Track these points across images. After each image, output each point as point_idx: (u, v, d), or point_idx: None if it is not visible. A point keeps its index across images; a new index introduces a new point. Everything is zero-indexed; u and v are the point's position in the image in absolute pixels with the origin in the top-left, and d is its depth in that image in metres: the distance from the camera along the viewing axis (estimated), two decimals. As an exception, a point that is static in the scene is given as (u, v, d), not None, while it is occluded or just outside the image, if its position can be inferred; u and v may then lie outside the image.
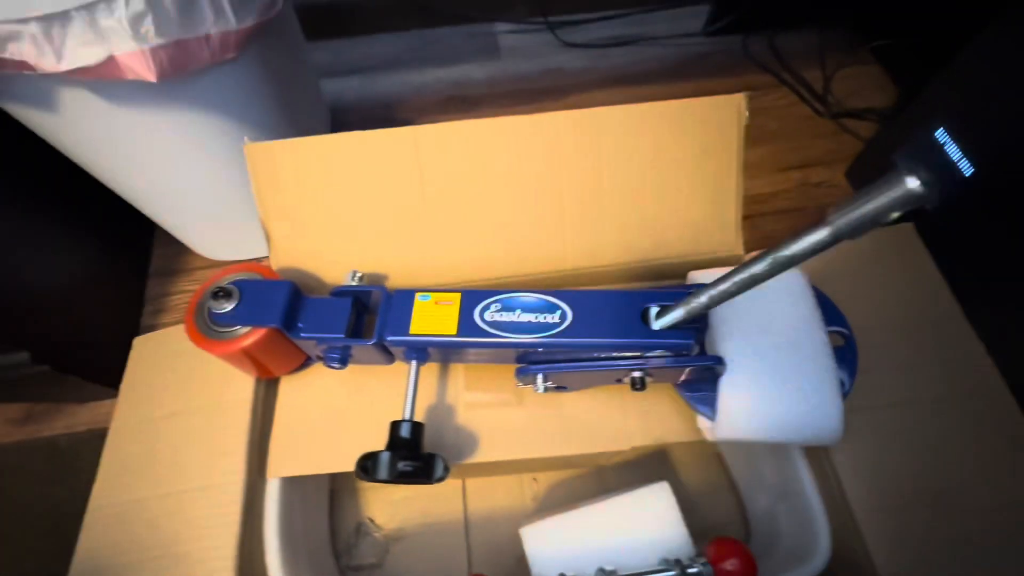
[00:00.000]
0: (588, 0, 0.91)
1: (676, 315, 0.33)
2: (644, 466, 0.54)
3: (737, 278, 0.28)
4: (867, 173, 0.74)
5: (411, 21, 0.92)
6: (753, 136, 0.80)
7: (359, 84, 0.87)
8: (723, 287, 0.29)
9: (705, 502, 0.53)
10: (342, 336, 0.36)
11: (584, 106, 0.42)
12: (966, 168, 0.70)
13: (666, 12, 0.93)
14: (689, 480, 0.54)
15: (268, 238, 0.43)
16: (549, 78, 0.87)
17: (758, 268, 0.26)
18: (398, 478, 0.31)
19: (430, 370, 0.43)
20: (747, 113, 0.43)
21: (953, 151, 0.72)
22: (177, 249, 0.71)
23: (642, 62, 0.89)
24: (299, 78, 0.63)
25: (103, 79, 0.36)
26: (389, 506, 0.52)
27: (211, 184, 0.54)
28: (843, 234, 0.22)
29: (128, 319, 0.67)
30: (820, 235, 0.23)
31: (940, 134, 0.73)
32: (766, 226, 0.73)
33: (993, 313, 0.44)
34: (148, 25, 0.35)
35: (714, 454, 0.55)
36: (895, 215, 0.21)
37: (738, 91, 0.43)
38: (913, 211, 0.67)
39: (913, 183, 0.19)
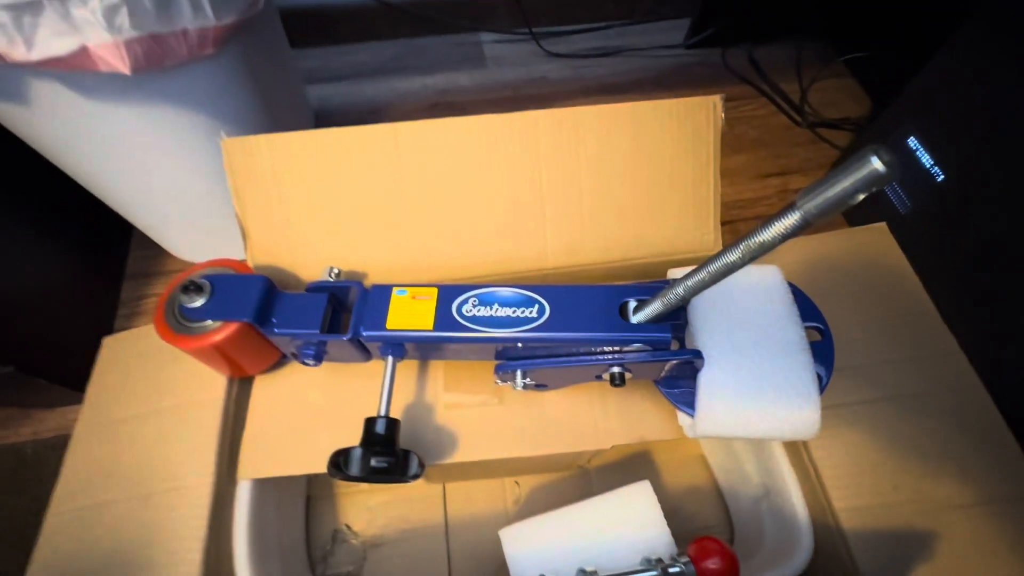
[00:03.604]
0: (572, 12, 0.93)
1: (654, 308, 0.33)
2: (627, 469, 0.53)
3: (711, 267, 0.28)
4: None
5: (398, 30, 0.93)
6: (733, 144, 0.81)
7: (346, 90, 0.87)
8: (698, 277, 0.29)
9: (689, 505, 0.52)
10: (317, 332, 0.36)
11: (569, 113, 0.42)
12: (937, 175, 0.72)
13: (648, 25, 0.95)
14: (673, 483, 0.53)
15: (245, 235, 0.43)
16: (534, 86, 0.88)
17: (732, 256, 0.27)
18: (371, 475, 0.30)
19: (409, 371, 0.42)
20: (723, 114, 0.44)
21: (925, 158, 0.73)
22: (154, 252, 0.69)
23: (624, 73, 0.90)
24: (282, 80, 0.63)
25: (75, 70, 0.35)
26: (367, 512, 0.50)
27: (188, 183, 0.53)
28: (812, 217, 0.22)
29: (101, 322, 0.65)
30: (790, 220, 0.23)
31: (911, 142, 0.75)
32: (747, 231, 0.74)
33: (966, 311, 0.45)
34: (123, 17, 0.35)
35: (698, 456, 0.54)
36: (861, 196, 0.21)
37: (716, 94, 0.44)
38: (888, 214, 0.67)
39: (877, 163, 0.19)
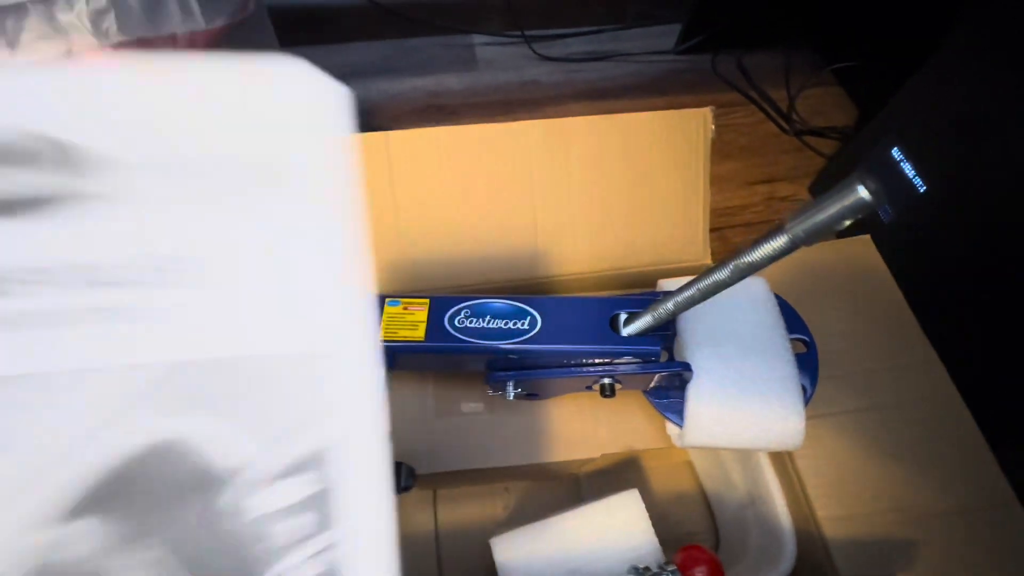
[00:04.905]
0: (564, 16, 0.93)
1: (644, 321, 0.33)
2: (616, 475, 0.54)
3: (701, 284, 0.28)
4: (829, 188, 0.76)
5: (388, 30, 0.92)
6: (722, 151, 0.82)
7: (334, 91, 0.86)
8: (688, 293, 0.29)
9: (676, 511, 0.53)
10: (307, 342, 0.35)
11: (559, 117, 0.43)
12: (920, 185, 0.73)
13: (639, 30, 0.95)
14: (661, 489, 0.54)
15: (233, 242, 0.42)
16: (525, 90, 0.88)
17: (721, 275, 0.27)
18: (362, 488, 0.30)
19: (400, 379, 0.42)
20: (713, 126, 0.45)
21: (907, 169, 0.75)
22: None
23: (616, 77, 0.91)
24: (271, 82, 0.62)
25: (60, 75, 0.35)
26: (356, 519, 0.50)
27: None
28: (800, 241, 0.23)
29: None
30: (779, 242, 0.24)
31: (895, 153, 0.77)
32: (735, 238, 0.75)
33: (945, 321, 0.46)
34: (110, 21, 0.34)
35: (686, 463, 0.55)
36: (847, 222, 0.21)
37: (707, 107, 0.45)
38: (871, 224, 0.69)
39: (863, 192, 0.20)
